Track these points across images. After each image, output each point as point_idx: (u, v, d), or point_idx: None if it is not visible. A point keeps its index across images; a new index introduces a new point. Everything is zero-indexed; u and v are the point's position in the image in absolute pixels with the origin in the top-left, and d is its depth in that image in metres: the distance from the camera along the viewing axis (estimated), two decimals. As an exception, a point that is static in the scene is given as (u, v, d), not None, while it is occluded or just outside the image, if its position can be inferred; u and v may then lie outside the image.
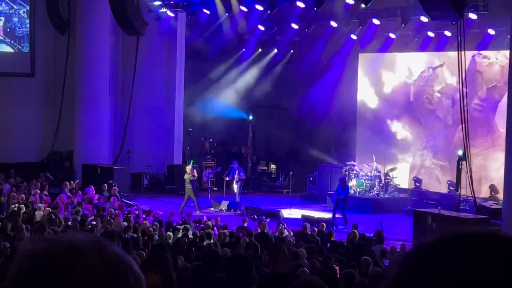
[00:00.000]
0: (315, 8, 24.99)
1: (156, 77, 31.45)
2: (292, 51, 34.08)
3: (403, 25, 27.14)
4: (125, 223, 17.94)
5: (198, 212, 25.14)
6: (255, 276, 6.29)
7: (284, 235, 17.98)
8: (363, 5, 23.89)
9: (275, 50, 34.11)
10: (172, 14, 28.67)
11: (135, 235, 15.42)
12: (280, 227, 19.48)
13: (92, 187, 25.17)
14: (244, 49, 33.67)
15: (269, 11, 26.52)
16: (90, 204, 21.86)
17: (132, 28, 27.59)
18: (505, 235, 1.38)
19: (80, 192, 25.00)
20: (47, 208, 20.13)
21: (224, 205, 26.44)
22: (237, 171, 26.85)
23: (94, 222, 17.59)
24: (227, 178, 27.51)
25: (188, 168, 26.29)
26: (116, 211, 20.50)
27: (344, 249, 15.67)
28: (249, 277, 6.14)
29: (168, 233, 16.80)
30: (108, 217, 18.64)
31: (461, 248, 1.35)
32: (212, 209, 26.34)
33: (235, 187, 26.83)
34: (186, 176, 26.02)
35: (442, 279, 1.32)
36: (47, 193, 23.70)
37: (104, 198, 23.88)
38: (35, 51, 33.48)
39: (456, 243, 1.36)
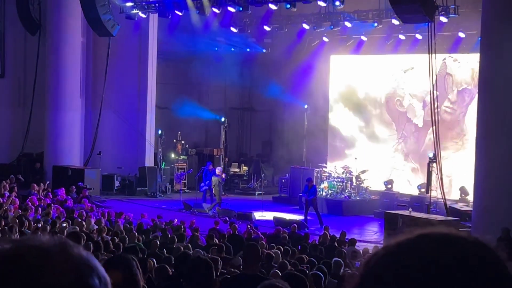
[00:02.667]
0: (288, 6, 24.91)
1: (128, 79, 31.28)
2: (264, 51, 34.11)
3: (375, 24, 27.29)
4: (96, 225, 17.85)
5: (208, 211, 25.51)
6: (215, 279, 6.22)
7: (252, 237, 17.99)
8: (337, 3, 23.91)
9: (248, 50, 34.13)
10: (143, 15, 28.54)
11: (106, 237, 15.33)
12: (249, 229, 19.52)
13: (63, 188, 25.03)
14: (216, 49, 33.66)
15: (240, 9, 26.41)
16: (60, 206, 21.71)
17: (103, 29, 27.42)
18: (462, 234, 1.40)
19: (50, 194, 24.81)
20: (17, 210, 19.96)
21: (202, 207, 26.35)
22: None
23: (65, 224, 17.46)
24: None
25: (218, 170, 26.40)
26: (89, 213, 20.40)
27: (316, 251, 15.70)
28: (210, 280, 6.06)
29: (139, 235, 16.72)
30: (79, 219, 18.52)
31: (422, 249, 1.38)
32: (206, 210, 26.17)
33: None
34: (214, 178, 26.23)
35: (404, 280, 1.35)
36: (16, 195, 23.48)
37: (72, 200, 23.72)
38: (5, 52, 33.19)
39: (417, 244, 1.40)
